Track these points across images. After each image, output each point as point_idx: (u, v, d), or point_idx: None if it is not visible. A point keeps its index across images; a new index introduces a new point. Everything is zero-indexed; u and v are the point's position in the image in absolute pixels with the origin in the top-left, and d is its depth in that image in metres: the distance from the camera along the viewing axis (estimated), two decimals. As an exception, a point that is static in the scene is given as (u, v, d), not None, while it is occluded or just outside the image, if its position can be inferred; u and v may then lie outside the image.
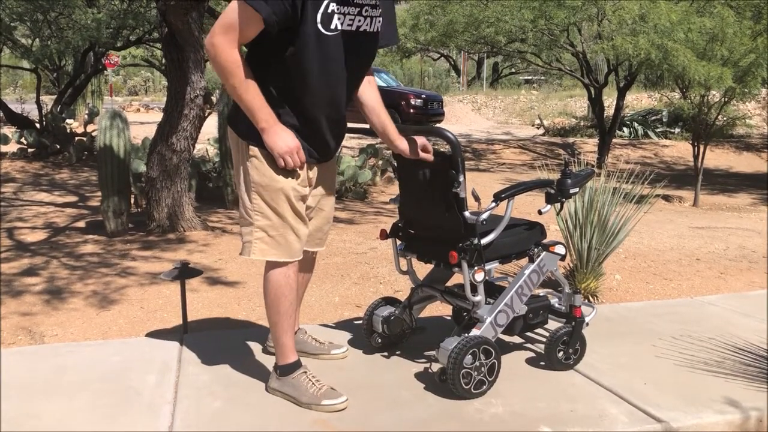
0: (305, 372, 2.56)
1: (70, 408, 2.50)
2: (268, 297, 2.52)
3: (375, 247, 5.44)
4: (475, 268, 2.58)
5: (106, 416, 2.44)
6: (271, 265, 2.50)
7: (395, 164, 2.86)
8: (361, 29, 2.38)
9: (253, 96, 2.29)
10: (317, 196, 2.63)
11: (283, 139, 2.34)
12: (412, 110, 16.08)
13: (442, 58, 34.22)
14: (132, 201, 6.35)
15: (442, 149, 2.83)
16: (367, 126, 2.69)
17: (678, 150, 14.82)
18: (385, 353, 2.99)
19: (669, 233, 6.45)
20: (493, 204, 2.62)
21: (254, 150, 2.39)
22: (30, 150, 10.75)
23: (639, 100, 20.92)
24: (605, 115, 12.88)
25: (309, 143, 2.45)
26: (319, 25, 2.27)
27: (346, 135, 2.67)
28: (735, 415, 2.51)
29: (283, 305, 2.52)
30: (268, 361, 2.76)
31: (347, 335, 3.20)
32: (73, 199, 7.85)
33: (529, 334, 3.16)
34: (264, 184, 2.40)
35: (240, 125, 2.42)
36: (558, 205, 2.86)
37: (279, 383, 2.57)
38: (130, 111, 23.23)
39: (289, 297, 2.52)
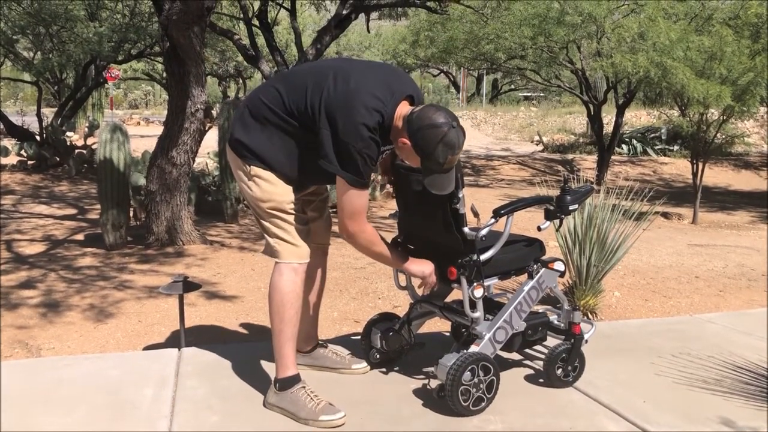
0: (304, 387, 2.56)
1: (67, 422, 2.48)
2: (273, 303, 2.55)
3: (374, 261, 5.43)
4: (474, 284, 2.58)
5: (103, 430, 2.42)
6: (279, 272, 2.56)
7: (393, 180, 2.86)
8: None
9: (392, 254, 2.65)
10: (320, 193, 2.83)
11: (425, 266, 2.70)
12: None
13: (442, 74, 34.39)
14: (131, 214, 6.35)
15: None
16: None
17: (677, 167, 14.86)
18: (384, 369, 2.97)
19: (668, 250, 6.45)
20: (493, 220, 2.62)
21: (255, 170, 2.54)
22: (30, 162, 10.77)
23: (638, 117, 20.99)
24: (604, 132, 12.93)
25: (307, 184, 2.67)
26: None
27: None
28: (734, 434, 2.49)
29: (288, 312, 2.54)
30: (267, 376, 2.75)
31: (345, 351, 3.19)
32: (72, 211, 7.85)
33: (527, 350, 3.15)
34: (265, 199, 2.54)
35: (241, 149, 2.56)
36: (557, 221, 2.86)
37: (277, 398, 2.56)
38: (131, 124, 23.27)
39: (295, 305, 2.55)
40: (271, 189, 2.53)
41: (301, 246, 2.58)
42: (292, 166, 2.54)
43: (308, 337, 2.94)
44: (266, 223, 2.58)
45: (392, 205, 7.82)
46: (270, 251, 2.60)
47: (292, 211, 2.57)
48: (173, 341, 3.66)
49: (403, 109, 2.44)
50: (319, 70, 2.53)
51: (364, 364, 2.96)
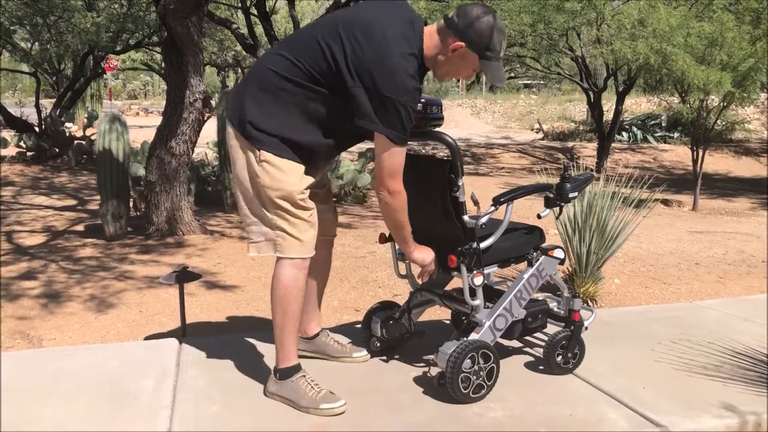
0: (304, 375, 2.56)
1: (68, 412, 2.49)
2: (276, 297, 2.51)
3: (374, 251, 5.44)
4: (474, 272, 2.58)
5: (104, 421, 2.43)
6: (282, 266, 2.49)
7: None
8: None
9: (409, 228, 2.57)
10: (325, 184, 2.81)
11: (426, 254, 2.67)
12: (411, 114, 16.03)
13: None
14: (131, 205, 6.34)
15: (441, 153, 2.84)
16: None
17: (677, 154, 14.84)
18: (384, 357, 2.98)
19: (668, 237, 6.45)
20: (492, 208, 2.62)
21: (266, 155, 2.41)
22: (29, 153, 10.76)
23: (638, 104, 20.96)
24: (604, 119, 12.90)
25: (326, 158, 2.64)
26: None
27: None
28: (733, 420, 2.50)
29: (291, 307, 2.51)
30: (267, 365, 2.76)
31: (346, 340, 3.19)
32: (71, 202, 7.85)
33: (528, 338, 3.16)
34: (275, 187, 2.42)
35: (253, 130, 2.43)
36: (557, 209, 2.85)
37: (277, 387, 2.56)
38: (130, 115, 23.25)
39: (298, 299, 2.52)
40: (282, 177, 2.41)
41: (306, 240, 2.49)
42: (317, 135, 2.45)
43: (311, 324, 2.93)
44: (270, 215, 2.45)
45: (392, 194, 7.80)
46: (271, 247, 2.48)
47: (302, 203, 2.45)
48: (174, 331, 3.67)
49: (428, 34, 2.42)
50: (325, 26, 2.41)
51: (365, 352, 2.96)
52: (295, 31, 2.60)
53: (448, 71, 2.51)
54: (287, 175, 2.43)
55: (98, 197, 6.03)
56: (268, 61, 2.49)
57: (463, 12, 2.38)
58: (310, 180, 2.51)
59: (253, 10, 10.41)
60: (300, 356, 2.64)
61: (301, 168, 2.48)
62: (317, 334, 2.95)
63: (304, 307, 2.76)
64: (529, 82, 32.33)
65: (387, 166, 2.39)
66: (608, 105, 14.79)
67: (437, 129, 2.66)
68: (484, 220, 2.58)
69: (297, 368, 2.57)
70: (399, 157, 2.39)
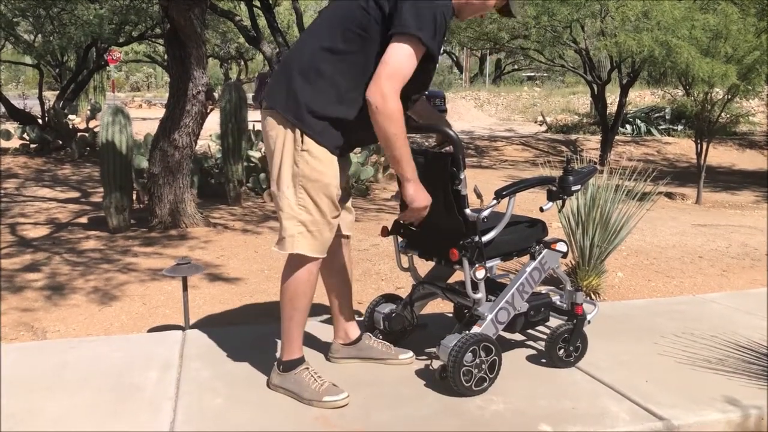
0: (307, 368, 2.56)
1: (72, 404, 2.50)
2: (288, 291, 2.50)
3: (377, 243, 5.44)
4: (476, 265, 2.58)
5: (108, 412, 2.44)
6: (296, 261, 2.47)
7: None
8: None
9: (407, 147, 2.36)
10: (346, 186, 2.70)
11: (425, 195, 2.47)
12: (414, 107, 15.97)
13: (445, 54, 34.16)
14: (134, 197, 6.35)
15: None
16: None
17: (681, 147, 14.80)
18: (387, 350, 2.98)
19: (671, 231, 6.44)
20: (495, 201, 2.62)
21: (309, 143, 2.37)
22: (32, 146, 10.78)
23: (642, 97, 20.88)
24: (608, 112, 12.86)
25: (358, 137, 2.51)
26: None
27: None
28: (736, 414, 2.50)
29: (302, 302, 2.50)
30: (270, 358, 2.76)
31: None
32: (75, 195, 7.86)
33: (530, 331, 3.16)
34: (314, 178, 2.38)
35: (302, 112, 2.36)
36: (560, 202, 2.85)
37: (281, 379, 2.57)
38: (133, 107, 23.23)
39: (309, 294, 2.51)
40: (322, 168, 2.38)
41: (322, 241, 2.45)
42: (362, 109, 2.34)
43: (349, 328, 2.86)
44: (297, 208, 2.39)
45: (394, 187, 7.80)
46: (289, 243, 2.42)
47: (335, 199, 2.43)
48: (177, 324, 3.68)
49: None
50: None
51: (411, 354, 2.87)
52: (322, 14, 2.54)
53: (476, 9, 2.53)
54: (326, 167, 2.39)
55: (101, 189, 6.04)
56: (308, 41, 2.45)
57: None
58: (340, 179, 2.48)
59: (256, 2, 10.40)
60: (343, 363, 2.75)
61: (336, 161, 2.43)
62: (360, 338, 2.87)
63: (338, 313, 2.78)
64: (532, 74, 32.28)
65: (391, 63, 2.26)
66: (612, 97, 14.74)
67: (440, 122, 2.65)
68: (486, 213, 2.58)
69: (301, 360, 2.57)
70: (407, 62, 2.26)
